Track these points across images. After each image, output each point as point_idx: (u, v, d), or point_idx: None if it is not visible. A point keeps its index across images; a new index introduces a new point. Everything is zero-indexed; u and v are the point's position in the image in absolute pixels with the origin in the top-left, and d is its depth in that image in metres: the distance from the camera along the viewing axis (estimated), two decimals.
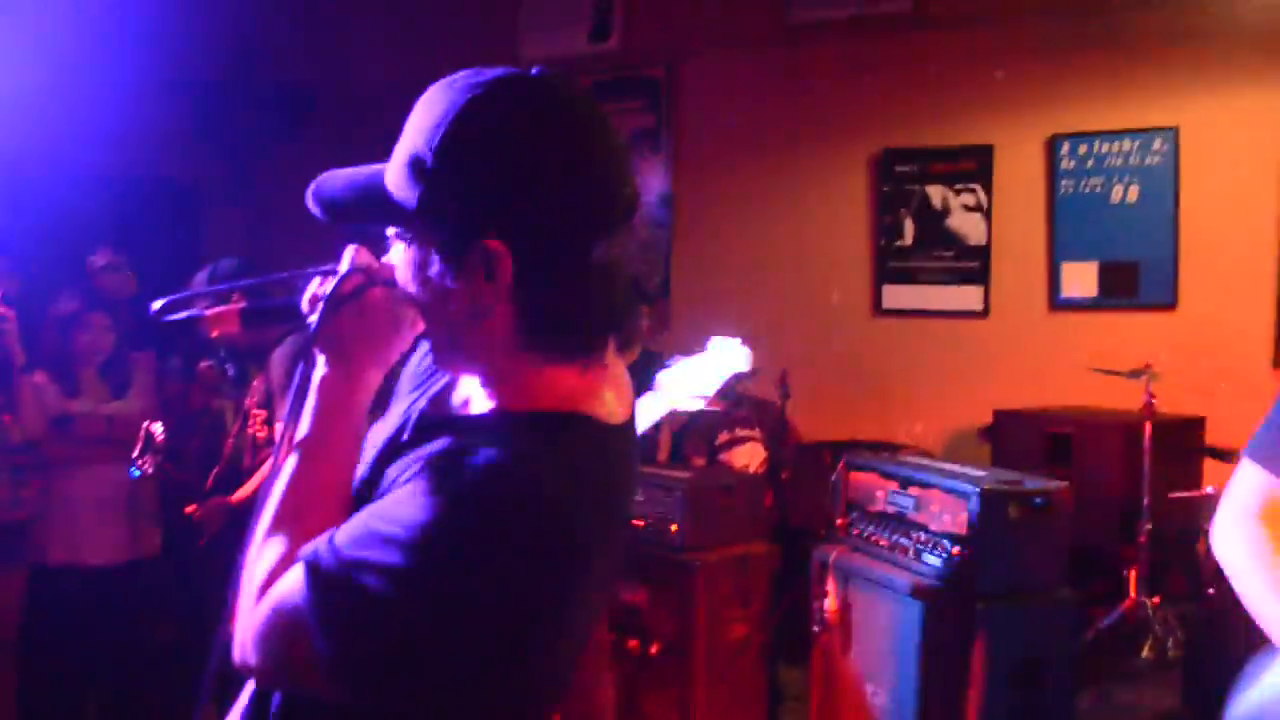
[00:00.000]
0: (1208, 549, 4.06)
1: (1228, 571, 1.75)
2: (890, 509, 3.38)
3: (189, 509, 3.38)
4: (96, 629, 3.70)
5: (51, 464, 3.62)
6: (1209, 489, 4.02)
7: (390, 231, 1.10)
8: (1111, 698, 4.11)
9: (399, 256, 1.09)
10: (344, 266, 1.12)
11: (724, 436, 5.23)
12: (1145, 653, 4.25)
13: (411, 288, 1.07)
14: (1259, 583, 1.68)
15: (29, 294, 3.95)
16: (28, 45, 4.71)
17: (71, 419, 3.68)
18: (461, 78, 1.03)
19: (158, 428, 3.21)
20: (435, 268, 1.03)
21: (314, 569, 0.97)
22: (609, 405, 1.10)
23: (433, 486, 0.97)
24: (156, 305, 1.24)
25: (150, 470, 3.23)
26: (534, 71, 1.04)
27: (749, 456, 5.16)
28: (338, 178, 1.13)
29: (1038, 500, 3.04)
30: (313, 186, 1.13)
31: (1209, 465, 4.66)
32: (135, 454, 3.14)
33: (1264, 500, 1.77)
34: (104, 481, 3.69)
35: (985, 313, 5.56)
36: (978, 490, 3.03)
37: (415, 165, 1.02)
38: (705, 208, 6.22)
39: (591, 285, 1.03)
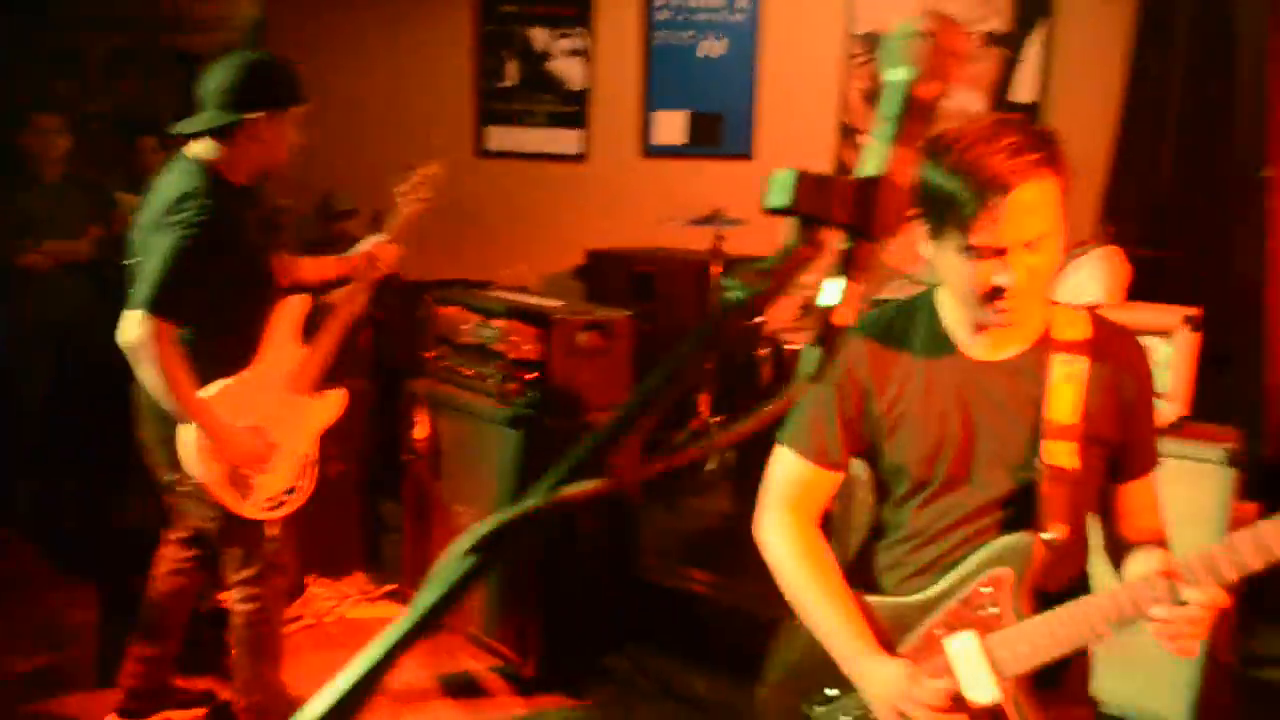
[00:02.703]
0: (765, 372, 4.62)
1: (768, 561, 1.79)
2: (475, 340, 3.52)
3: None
4: None
5: None
6: (759, 319, 4.53)
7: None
8: (681, 505, 4.63)
9: None
10: None
11: None
12: (710, 465, 4.79)
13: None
14: (798, 584, 1.74)
15: None
16: None
17: None
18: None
19: None
20: None
21: None
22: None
23: None
24: None
25: None
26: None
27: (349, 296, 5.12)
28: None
29: (602, 327, 3.30)
30: None
31: None
32: None
33: (798, 488, 1.78)
34: None
35: (584, 157, 5.78)
36: (549, 319, 3.23)
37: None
38: (300, 40, 5.87)
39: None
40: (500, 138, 5.78)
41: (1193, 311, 2.83)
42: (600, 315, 3.36)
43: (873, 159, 0.85)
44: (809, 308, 5.01)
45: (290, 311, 2.79)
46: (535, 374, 3.27)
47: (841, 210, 0.84)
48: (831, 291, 0.87)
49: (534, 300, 3.55)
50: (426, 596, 0.81)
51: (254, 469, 2.69)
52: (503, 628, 3.40)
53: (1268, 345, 4.24)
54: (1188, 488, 2.61)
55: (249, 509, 2.70)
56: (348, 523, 4.10)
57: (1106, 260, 2.87)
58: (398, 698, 3.38)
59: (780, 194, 0.85)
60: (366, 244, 2.98)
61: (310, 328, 2.86)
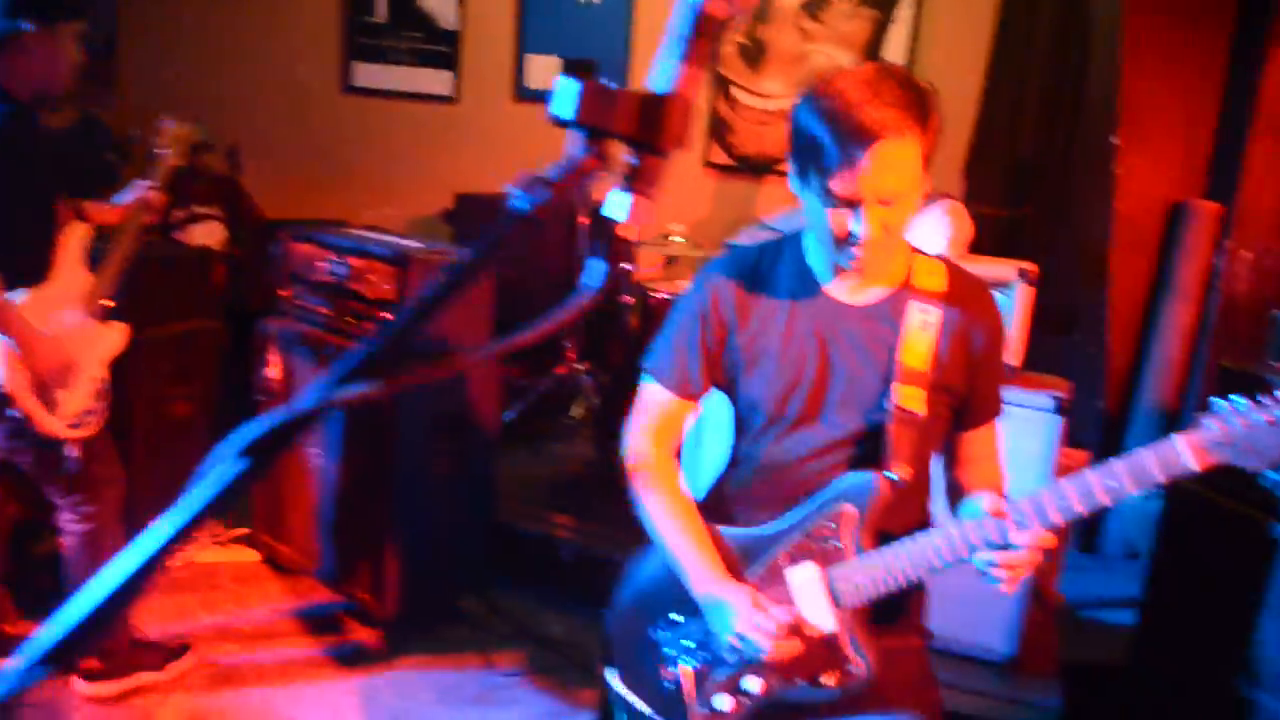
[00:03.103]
0: (631, 320, 4.64)
1: (630, 484, 1.84)
2: (329, 279, 3.44)
3: None
4: None
5: None
6: (625, 266, 4.54)
7: None
8: (545, 450, 4.64)
9: None
10: None
11: (180, 214, 4.96)
12: (574, 411, 4.81)
13: None
14: (655, 510, 1.80)
15: None
16: None
17: None
18: None
19: None
20: None
21: None
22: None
23: None
24: None
25: None
26: None
27: (208, 235, 4.95)
28: None
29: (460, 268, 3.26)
30: None
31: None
32: None
33: (660, 417, 1.84)
34: None
35: (454, 98, 5.66)
36: (406, 258, 3.18)
37: None
38: None
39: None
40: (368, 74, 5.61)
41: (1028, 266, 2.94)
42: (458, 255, 3.31)
43: (661, 75, 0.86)
44: (674, 258, 5.05)
45: (75, 237, 2.80)
46: (391, 314, 3.22)
47: (626, 124, 0.85)
48: (617, 204, 0.88)
49: (392, 239, 3.48)
50: (195, 498, 0.80)
51: (56, 380, 2.70)
52: (358, 568, 3.37)
53: (1109, 304, 4.46)
54: (1017, 433, 2.74)
55: (54, 425, 2.70)
56: (197, 464, 3.98)
57: (950, 214, 2.96)
58: (248, 636, 3.34)
59: (563, 104, 0.86)
60: (136, 190, 2.96)
61: (93, 260, 2.87)
